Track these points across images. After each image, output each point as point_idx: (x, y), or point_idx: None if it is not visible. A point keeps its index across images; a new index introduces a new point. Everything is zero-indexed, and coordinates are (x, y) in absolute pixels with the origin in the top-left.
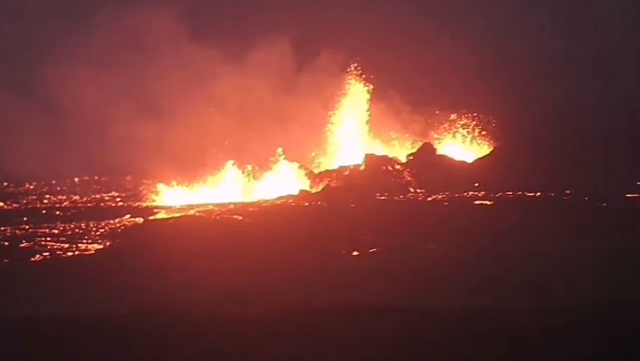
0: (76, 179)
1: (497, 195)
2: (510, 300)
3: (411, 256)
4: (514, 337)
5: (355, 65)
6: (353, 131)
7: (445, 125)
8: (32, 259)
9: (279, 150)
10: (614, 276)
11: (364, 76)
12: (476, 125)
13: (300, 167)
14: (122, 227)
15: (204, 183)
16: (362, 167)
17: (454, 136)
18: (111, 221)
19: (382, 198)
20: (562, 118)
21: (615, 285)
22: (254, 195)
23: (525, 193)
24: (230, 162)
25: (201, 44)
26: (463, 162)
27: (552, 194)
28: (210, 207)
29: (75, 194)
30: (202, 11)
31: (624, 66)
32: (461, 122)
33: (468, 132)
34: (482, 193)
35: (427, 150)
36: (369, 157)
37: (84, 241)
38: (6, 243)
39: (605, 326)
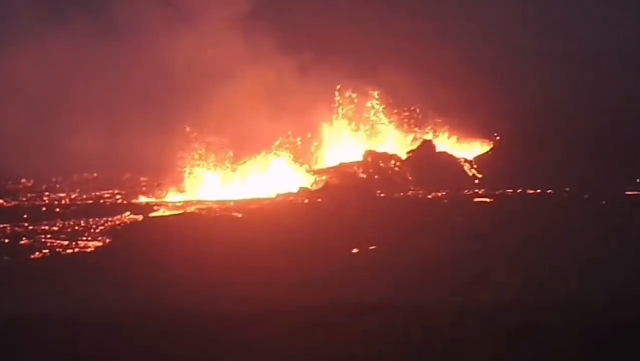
0: (74, 176)
1: (497, 192)
2: (509, 299)
3: (410, 253)
4: (512, 336)
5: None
6: (352, 129)
7: (445, 124)
8: (32, 256)
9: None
10: (614, 275)
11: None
12: (476, 123)
13: (300, 164)
14: (122, 224)
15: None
16: (362, 165)
17: (453, 135)
18: (111, 218)
19: (382, 195)
20: (561, 116)
21: (615, 284)
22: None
23: (525, 190)
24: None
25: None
26: (463, 160)
27: (552, 192)
28: (210, 204)
29: (74, 192)
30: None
31: (624, 65)
32: (460, 121)
33: (467, 130)
34: (482, 190)
35: (426, 147)
36: (369, 154)
37: (84, 238)
38: (6, 240)
39: (604, 326)
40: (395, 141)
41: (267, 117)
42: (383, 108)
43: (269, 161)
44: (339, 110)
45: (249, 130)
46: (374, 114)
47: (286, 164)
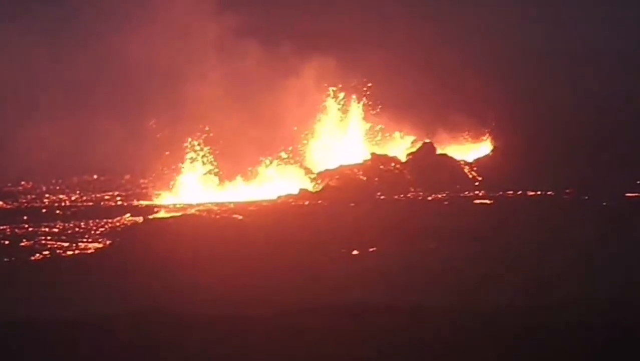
0: (74, 179)
1: (497, 194)
2: (509, 299)
3: (411, 256)
4: (512, 336)
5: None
6: (352, 130)
7: (445, 124)
8: (32, 258)
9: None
10: (614, 276)
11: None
12: (476, 124)
13: (300, 166)
14: (122, 226)
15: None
16: (362, 167)
17: (453, 136)
18: (111, 220)
19: (382, 197)
20: (561, 117)
21: (615, 285)
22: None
23: (525, 192)
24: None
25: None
26: (463, 162)
27: (552, 193)
28: (210, 206)
29: (74, 193)
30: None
31: (624, 65)
32: (461, 122)
33: (468, 131)
34: (482, 192)
35: (427, 149)
36: (369, 156)
37: (84, 240)
38: (6, 242)
39: (604, 326)
40: (395, 142)
41: (256, 118)
42: (379, 109)
43: (274, 168)
44: (330, 108)
45: (240, 131)
46: (364, 114)
47: (288, 167)
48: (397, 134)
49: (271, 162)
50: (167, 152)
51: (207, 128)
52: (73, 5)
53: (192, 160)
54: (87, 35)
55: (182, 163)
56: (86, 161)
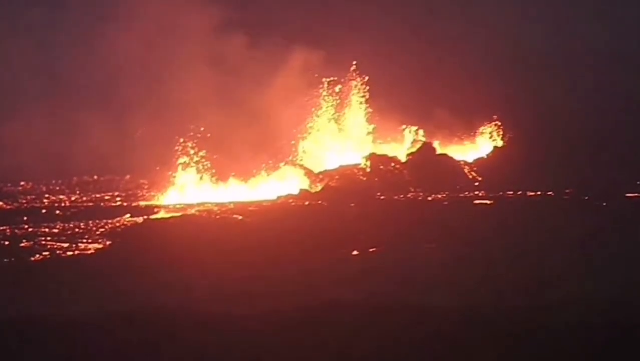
0: (74, 179)
1: (497, 195)
2: (509, 300)
3: (411, 256)
4: (512, 336)
5: (355, 66)
6: (352, 130)
7: (444, 124)
8: (32, 258)
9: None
10: (614, 276)
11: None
12: (475, 124)
13: (299, 166)
14: (122, 226)
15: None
16: (362, 167)
17: (454, 137)
18: (111, 221)
19: (382, 197)
20: (561, 118)
21: (615, 285)
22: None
23: (525, 192)
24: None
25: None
26: (463, 162)
27: (552, 194)
28: (210, 206)
29: (74, 194)
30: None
31: (625, 65)
32: (460, 122)
33: (467, 131)
34: (482, 192)
35: (427, 149)
36: (369, 157)
37: (84, 240)
38: (6, 243)
39: (604, 326)
40: (394, 142)
41: (251, 117)
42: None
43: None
44: (325, 103)
45: (235, 132)
46: (362, 113)
47: (287, 168)
48: (395, 134)
49: (269, 175)
50: (160, 164)
51: (202, 129)
52: (71, 6)
53: (185, 165)
54: (82, 36)
55: (175, 172)
56: (85, 161)
